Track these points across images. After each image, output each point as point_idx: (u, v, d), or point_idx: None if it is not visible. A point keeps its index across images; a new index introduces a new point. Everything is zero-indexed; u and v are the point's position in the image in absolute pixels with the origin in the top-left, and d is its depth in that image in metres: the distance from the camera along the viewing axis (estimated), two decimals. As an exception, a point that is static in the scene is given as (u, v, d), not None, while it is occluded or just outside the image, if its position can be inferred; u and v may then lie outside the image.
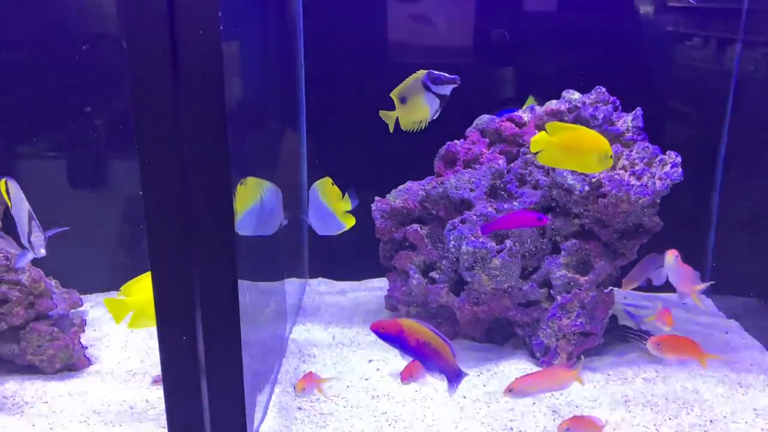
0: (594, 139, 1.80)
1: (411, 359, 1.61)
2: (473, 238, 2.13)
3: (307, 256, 2.92)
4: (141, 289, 1.63)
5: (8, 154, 2.63)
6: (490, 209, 2.17)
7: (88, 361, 2.15)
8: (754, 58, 2.54)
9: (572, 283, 2.14)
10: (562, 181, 2.11)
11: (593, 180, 2.08)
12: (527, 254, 2.19)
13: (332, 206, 1.95)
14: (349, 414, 1.91)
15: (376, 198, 2.39)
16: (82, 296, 2.47)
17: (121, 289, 1.65)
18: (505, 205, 2.20)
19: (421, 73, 1.94)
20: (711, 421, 1.88)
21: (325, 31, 2.69)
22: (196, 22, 1.27)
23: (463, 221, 2.18)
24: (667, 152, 2.15)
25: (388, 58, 2.70)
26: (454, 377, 1.54)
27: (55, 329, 2.05)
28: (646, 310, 2.59)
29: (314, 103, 2.75)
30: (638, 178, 2.09)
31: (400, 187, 2.40)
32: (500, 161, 2.26)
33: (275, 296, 2.23)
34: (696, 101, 2.73)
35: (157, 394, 1.98)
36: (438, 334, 1.52)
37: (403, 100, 1.99)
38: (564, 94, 2.26)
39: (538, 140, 1.82)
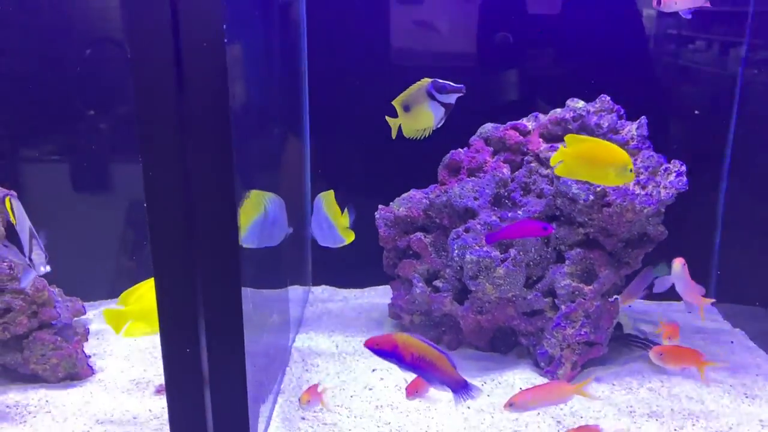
0: (612, 151, 1.79)
1: (409, 373, 1.60)
2: (477, 247, 2.13)
3: (310, 263, 2.92)
4: (138, 298, 1.63)
5: (12, 157, 2.63)
6: (494, 218, 2.17)
7: (91, 370, 2.14)
8: (760, 62, 2.53)
9: (577, 293, 2.13)
10: (567, 190, 2.11)
11: (598, 189, 2.08)
12: (531, 263, 2.18)
13: (334, 219, 1.95)
14: (353, 424, 1.90)
15: (380, 206, 2.39)
16: (86, 304, 2.47)
17: (118, 298, 1.64)
18: (509, 214, 2.19)
19: (426, 81, 1.93)
20: (717, 432, 1.88)
21: (328, 38, 2.69)
22: (201, 34, 1.27)
23: (467, 230, 2.17)
24: (672, 161, 2.15)
25: (391, 66, 2.70)
26: (458, 388, 1.53)
27: (59, 338, 2.05)
28: (650, 322, 2.58)
29: (317, 110, 2.75)
30: (643, 188, 2.08)
31: (404, 195, 2.40)
32: (504, 170, 2.26)
33: (278, 304, 2.23)
34: (701, 107, 2.72)
35: (160, 403, 1.98)
36: (434, 347, 1.51)
37: (406, 108, 1.98)
38: (568, 102, 2.26)
39: (556, 155, 1.83)
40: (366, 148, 2.71)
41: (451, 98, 1.88)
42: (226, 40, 1.24)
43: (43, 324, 2.05)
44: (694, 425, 1.90)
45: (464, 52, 2.70)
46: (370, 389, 2.08)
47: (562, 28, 2.65)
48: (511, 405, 1.68)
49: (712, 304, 2.67)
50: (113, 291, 2.70)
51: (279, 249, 2.11)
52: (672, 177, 2.10)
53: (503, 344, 2.33)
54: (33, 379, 2.08)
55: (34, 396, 2.02)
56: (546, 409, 1.95)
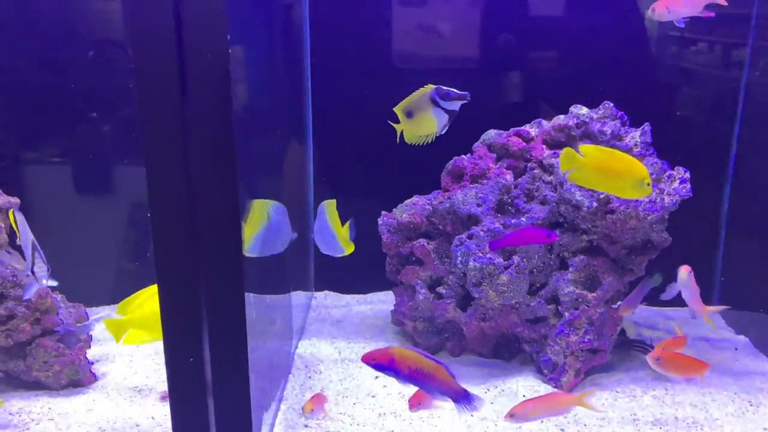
0: (630, 164, 1.78)
1: (408, 385, 1.61)
2: (480, 254, 2.12)
3: (313, 268, 2.92)
4: (137, 306, 1.62)
5: (14, 159, 2.63)
6: (497, 225, 2.16)
7: (94, 377, 2.14)
8: (764, 66, 2.52)
9: (580, 300, 2.12)
10: (570, 197, 2.10)
11: (601, 196, 2.07)
12: (535, 270, 2.17)
13: (335, 230, 1.95)
14: (356, 432, 1.90)
15: (383, 212, 2.39)
16: (88, 309, 2.47)
17: (116, 307, 1.64)
18: (513, 221, 2.18)
19: (429, 87, 1.93)
20: (721, 441, 1.87)
21: (331, 42, 2.69)
22: (205, 45, 1.27)
23: (470, 237, 2.17)
24: (676, 168, 2.14)
25: (395, 70, 2.69)
26: (458, 398, 1.54)
27: (61, 345, 2.05)
28: (653, 328, 2.57)
29: (320, 115, 2.75)
30: (647, 195, 2.08)
31: (407, 201, 2.40)
32: (507, 176, 2.25)
33: (282, 311, 2.22)
34: (704, 112, 2.72)
35: (163, 411, 1.97)
36: (431, 359, 1.52)
37: (409, 115, 1.98)
38: (572, 109, 2.26)
39: (566, 158, 1.81)
40: (368, 153, 2.71)
41: (456, 105, 1.87)
42: (230, 51, 1.24)
43: (45, 331, 2.04)
44: (698, 433, 1.90)
45: (468, 56, 2.69)
46: (373, 396, 2.07)
47: (566, 33, 2.65)
48: (511, 416, 1.68)
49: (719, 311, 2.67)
50: (116, 295, 2.71)
51: (282, 254, 2.11)
52: (676, 184, 2.10)
53: (506, 351, 2.33)
54: (36, 386, 2.08)
55: (37, 403, 2.02)
56: (549, 417, 1.94)
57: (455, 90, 1.86)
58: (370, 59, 2.70)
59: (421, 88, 1.94)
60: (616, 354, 2.27)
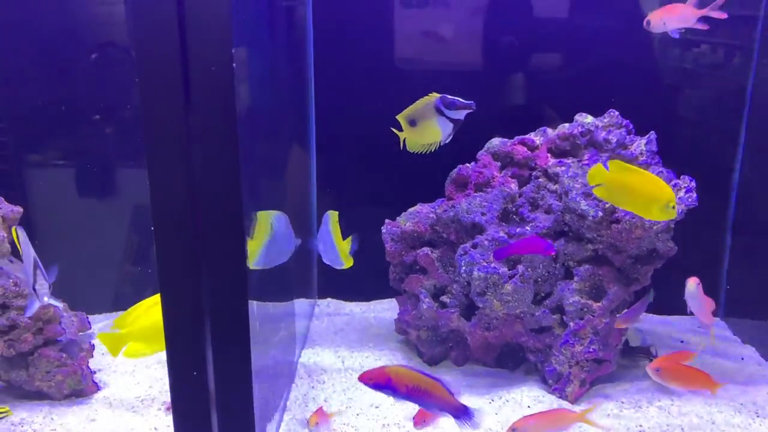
0: (658, 186, 1.79)
1: (408, 403, 1.61)
2: (485, 264, 2.11)
3: (316, 276, 2.91)
4: (134, 320, 1.61)
5: (17, 162, 2.63)
6: (501, 234, 2.15)
7: (97, 387, 2.13)
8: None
9: (585, 309, 2.11)
10: (576, 206, 2.09)
11: (607, 206, 2.06)
12: (539, 279, 2.16)
13: (337, 242, 1.95)
14: (360, 443, 1.88)
15: (387, 221, 2.38)
16: (90, 316, 2.46)
17: (114, 322, 1.63)
18: (517, 230, 2.17)
19: (433, 96, 1.92)
20: (728, 453, 1.86)
21: (335, 49, 2.68)
22: (209, 58, 1.26)
23: (474, 246, 2.16)
24: (682, 177, 2.13)
25: (399, 78, 2.69)
26: (458, 414, 1.55)
27: (64, 355, 2.04)
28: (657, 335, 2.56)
29: (324, 122, 2.74)
30: (652, 204, 2.06)
31: (411, 209, 2.39)
32: (512, 185, 2.24)
33: (285, 319, 2.21)
34: (709, 117, 2.70)
35: (166, 421, 1.96)
36: (428, 375, 1.53)
37: (412, 123, 1.97)
38: (577, 117, 2.25)
39: (595, 174, 1.84)
40: (372, 161, 2.70)
41: (461, 114, 1.86)
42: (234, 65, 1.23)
43: (48, 340, 2.03)
44: (705, 445, 1.88)
45: (474, 60, 2.68)
46: (377, 407, 2.06)
47: (571, 37, 2.64)
48: (513, 430, 1.67)
49: (720, 318, 2.66)
50: (119, 300, 2.70)
51: (285, 262, 2.10)
52: (682, 193, 2.08)
53: (511, 361, 2.31)
54: (38, 396, 2.07)
55: (39, 413, 2.01)
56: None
57: (460, 99, 1.85)
58: (373, 66, 2.69)
59: (426, 97, 1.94)
60: (621, 363, 2.25)
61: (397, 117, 1.97)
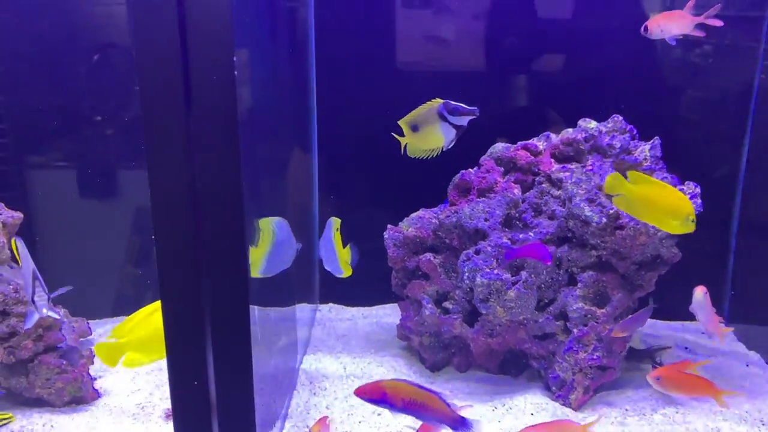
0: (678, 199, 1.79)
1: (404, 416, 1.61)
2: (488, 270, 2.09)
3: (317, 281, 2.89)
4: (131, 329, 1.60)
5: (19, 163, 2.62)
6: (504, 240, 2.13)
7: (97, 394, 2.12)
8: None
9: (589, 316, 2.09)
10: (579, 212, 2.07)
11: (611, 212, 2.04)
12: (543, 286, 2.14)
13: (338, 250, 1.94)
14: (362, 452, 1.87)
15: (389, 226, 2.36)
16: (91, 321, 2.46)
17: (111, 332, 1.62)
18: (521, 236, 2.16)
19: (437, 101, 1.91)
20: (734, 462, 1.84)
21: (336, 53, 2.67)
22: (211, 63, 1.25)
23: (477, 252, 2.14)
24: (686, 183, 2.11)
25: (402, 83, 2.67)
26: (456, 425, 1.55)
27: (64, 362, 2.02)
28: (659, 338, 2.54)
29: (326, 126, 2.73)
30: (657, 210, 2.05)
31: (413, 215, 2.37)
32: (515, 190, 2.23)
33: (286, 325, 2.20)
34: (714, 122, 2.69)
35: (167, 429, 1.95)
36: (423, 388, 1.54)
37: (415, 128, 1.96)
38: (580, 122, 2.23)
39: (613, 183, 1.84)
40: (374, 165, 2.69)
41: (464, 120, 1.86)
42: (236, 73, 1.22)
43: (48, 347, 2.02)
44: (710, 454, 1.87)
45: (477, 64, 2.67)
46: (379, 414, 2.04)
47: (574, 40, 2.62)
48: None
49: (725, 324, 2.63)
50: (120, 303, 2.69)
51: (287, 267, 2.09)
52: (686, 199, 2.07)
53: (514, 367, 2.30)
54: (38, 403, 2.05)
55: (39, 421, 1.99)
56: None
57: (463, 105, 1.84)
58: (376, 69, 2.68)
59: (429, 102, 1.93)
60: (626, 369, 2.23)
61: (399, 122, 1.96)
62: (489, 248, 2.13)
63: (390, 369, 2.34)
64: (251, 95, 1.73)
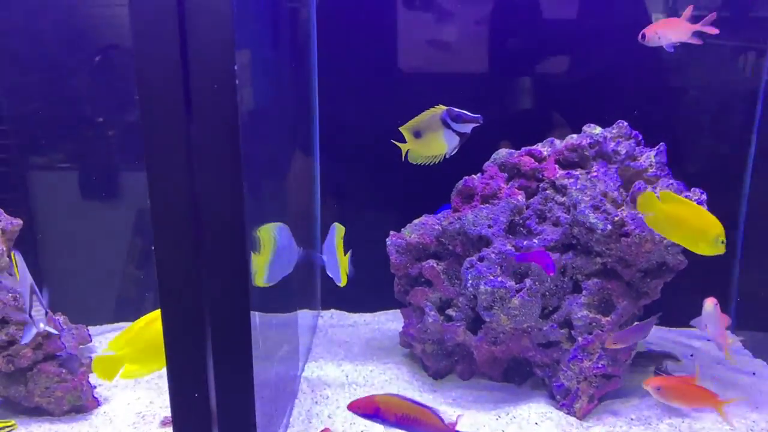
0: (707, 221, 1.78)
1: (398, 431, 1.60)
2: (492, 277, 2.07)
3: (319, 286, 2.87)
4: (129, 341, 1.58)
5: (20, 165, 2.61)
6: (508, 247, 2.11)
7: (97, 402, 2.10)
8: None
9: (594, 324, 2.07)
10: (584, 219, 2.05)
11: (616, 219, 2.02)
12: (547, 293, 2.12)
13: (339, 257, 1.92)
14: (364, 462, 1.85)
15: (392, 232, 2.34)
16: (90, 328, 2.44)
17: (108, 344, 1.60)
18: (525, 243, 2.13)
19: (440, 108, 1.89)
20: (741, 473, 1.81)
21: (339, 57, 2.65)
22: (211, 67, 1.23)
23: (481, 259, 2.12)
24: (692, 189, 2.09)
25: (405, 88, 2.65)
26: None
27: (63, 370, 2.00)
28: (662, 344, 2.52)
29: (328, 131, 2.71)
30: (663, 217, 2.02)
31: (416, 221, 2.35)
32: (519, 197, 2.20)
33: (288, 332, 2.17)
34: (720, 126, 2.66)
35: (167, 438, 1.93)
36: (416, 403, 1.54)
37: (417, 134, 1.94)
38: (585, 128, 2.21)
39: (646, 202, 1.83)
40: (377, 171, 2.67)
41: (467, 128, 1.83)
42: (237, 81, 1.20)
43: (47, 356, 2.00)
44: (717, 465, 1.84)
45: (480, 67, 2.65)
46: (382, 423, 2.02)
47: (578, 44, 2.61)
48: None
49: (731, 331, 2.60)
50: (120, 307, 2.68)
51: (288, 273, 2.07)
52: (692, 206, 2.04)
53: (518, 375, 2.27)
54: (37, 412, 2.03)
55: (38, 430, 1.97)
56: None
57: (467, 112, 1.82)
58: (379, 73, 2.66)
59: (432, 109, 1.91)
60: (631, 377, 2.21)
61: (401, 129, 1.95)
62: (493, 255, 2.11)
63: (393, 377, 2.32)
64: (253, 99, 1.71)
